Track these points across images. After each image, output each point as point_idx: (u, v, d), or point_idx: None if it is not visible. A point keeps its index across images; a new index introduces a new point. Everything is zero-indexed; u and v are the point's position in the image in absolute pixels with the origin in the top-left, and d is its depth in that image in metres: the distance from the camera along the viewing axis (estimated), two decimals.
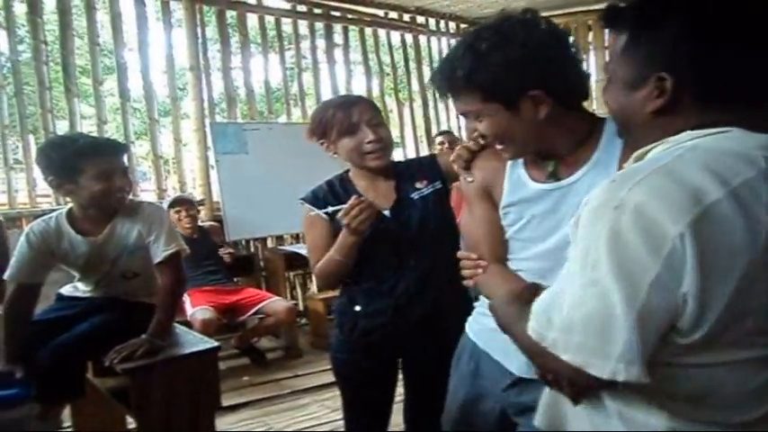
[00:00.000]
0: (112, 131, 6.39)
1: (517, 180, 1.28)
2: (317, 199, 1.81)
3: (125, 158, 2.27)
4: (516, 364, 1.30)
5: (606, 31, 0.98)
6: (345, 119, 1.72)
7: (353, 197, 1.63)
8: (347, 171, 1.87)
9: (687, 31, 0.84)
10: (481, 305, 1.46)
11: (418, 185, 1.77)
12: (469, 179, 1.36)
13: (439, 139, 4.61)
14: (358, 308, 1.79)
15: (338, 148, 1.76)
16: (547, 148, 1.22)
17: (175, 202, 4.06)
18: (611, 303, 0.78)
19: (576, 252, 0.85)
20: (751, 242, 0.77)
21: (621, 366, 0.78)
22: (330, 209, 1.72)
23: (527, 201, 1.26)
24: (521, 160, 1.29)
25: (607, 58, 0.97)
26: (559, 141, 1.21)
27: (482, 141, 1.31)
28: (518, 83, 1.13)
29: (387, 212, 1.76)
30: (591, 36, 6.24)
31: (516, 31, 1.14)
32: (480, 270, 1.30)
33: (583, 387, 0.88)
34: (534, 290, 1.10)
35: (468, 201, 1.39)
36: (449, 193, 1.83)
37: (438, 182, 1.79)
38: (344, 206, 1.63)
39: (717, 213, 0.77)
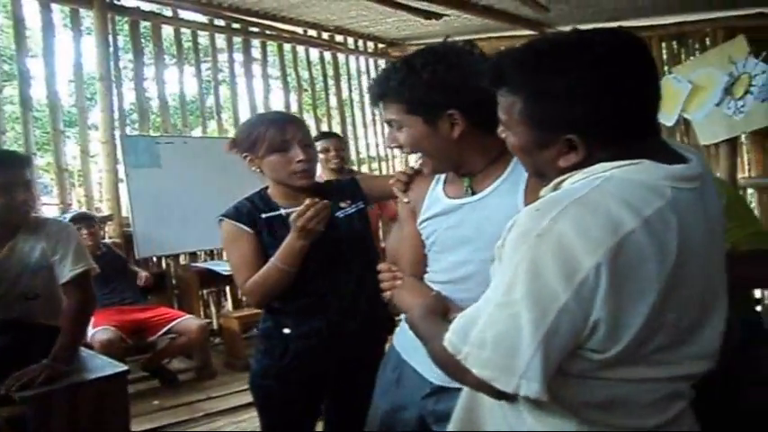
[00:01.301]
0: (11, 142, 6.00)
1: (435, 197, 1.38)
2: (240, 214, 1.75)
3: (28, 171, 2.14)
4: (436, 373, 1.31)
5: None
6: (278, 135, 1.70)
7: (308, 199, 1.60)
8: (266, 188, 1.84)
9: (579, 92, 0.90)
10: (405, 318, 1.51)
11: (342, 205, 1.78)
12: (405, 200, 1.45)
13: (321, 144, 3.20)
14: (287, 330, 1.75)
15: (264, 164, 1.74)
16: (460, 165, 1.31)
17: (73, 219, 3.85)
18: (520, 325, 0.84)
19: (498, 273, 0.91)
20: (662, 268, 0.85)
21: (523, 382, 0.85)
22: (283, 211, 1.67)
23: (439, 215, 1.35)
24: (442, 179, 1.38)
25: None
26: (472, 159, 1.29)
27: (404, 151, 1.39)
28: (439, 100, 1.22)
29: None
30: None
31: (449, 54, 1.26)
32: (398, 282, 1.38)
33: (491, 396, 0.94)
34: (441, 300, 1.23)
35: (399, 219, 1.49)
36: (367, 215, 1.86)
37: (360, 202, 1.82)
38: (297, 208, 1.60)
39: (632, 243, 0.83)
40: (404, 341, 1.49)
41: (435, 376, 1.35)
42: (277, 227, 1.72)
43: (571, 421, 0.94)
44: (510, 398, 0.91)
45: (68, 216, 3.90)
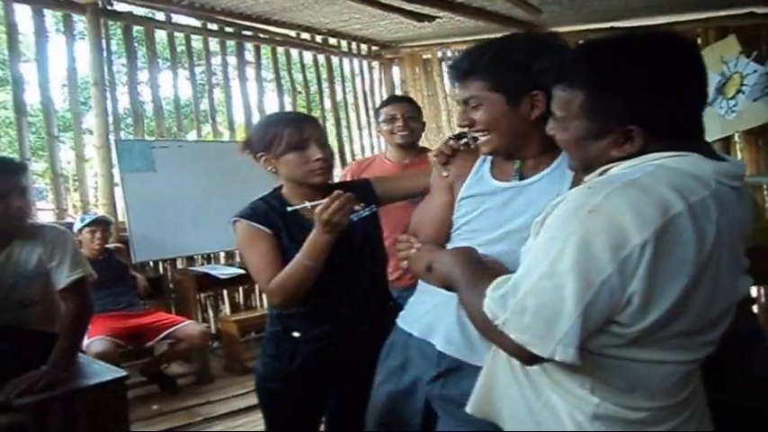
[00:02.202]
0: (5, 147, 5.98)
1: (480, 177, 1.41)
2: (257, 215, 1.74)
3: (24, 178, 2.13)
4: (455, 346, 1.38)
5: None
6: (296, 134, 1.71)
7: (335, 192, 1.59)
8: (279, 188, 1.83)
9: (647, 86, 0.95)
10: (416, 297, 1.56)
11: (356, 207, 1.74)
12: (445, 174, 1.48)
13: (385, 112, 2.86)
14: (297, 334, 1.74)
15: (280, 163, 1.73)
16: (521, 148, 1.35)
17: (93, 222, 3.90)
18: (564, 296, 0.88)
19: (541, 245, 0.94)
20: (698, 253, 0.89)
21: (559, 348, 0.89)
22: (308, 204, 1.65)
23: (483, 194, 1.38)
24: (489, 160, 1.42)
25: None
26: (533, 144, 1.33)
27: (466, 131, 1.42)
28: (525, 81, 1.27)
29: None
30: None
31: (536, 40, 1.35)
32: (413, 250, 1.38)
33: (523, 361, 0.98)
34: (472, 252, 1.22)
35: (431, 191, 1.52)
36: (378, 217, 1.87)
37: (373, 205, 1.84)
38: (323, 201, 1.58)
39: (677, 224, 0.88)
40: (410, 319, 1.53)
41: (453, 349, 1.38)
42: (296, 230, 1.71)
43: (590, 399, 0.97)
44: (539, 362, 0.95)
45: (87, 218, 3.92)
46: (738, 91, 4.26)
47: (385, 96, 6.53)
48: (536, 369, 1.02)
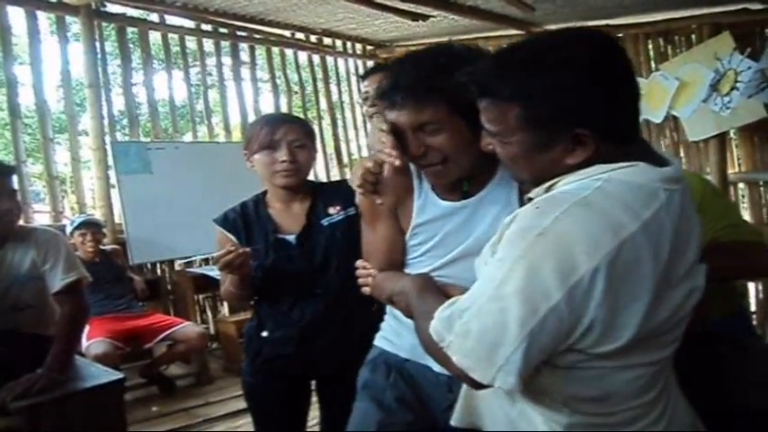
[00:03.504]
0: (0, 149, 5.97)
1: (425, 201, 1.31)
2: (226, 221, 1.82)
3: (12, 180, 2.13)
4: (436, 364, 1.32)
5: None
6: (268, 135, 1.75)
7: (229, 245, 1.65)
8: (264, 192, 1.87)
9: (584, 86, 0.90)
10: (393, 319, 1.47)
11: (331, 211, 1.79)
12: (379, 201, 1.34)
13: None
14: (265, 333, 1.79)
15: (254, 162, 1.79)
16: (474, 168, 1.25)
17: (82, 224, 3.87)
18: (507, 320, 0.85)
19: (491, 267, 0.91)
20: (656, 268, 0.87)
21: (500, 375, 0.86)
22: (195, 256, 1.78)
23: (438, 219, 1.30)
24: (426, 181, 1.32)
25: None
26: (483, 161, 1.22)
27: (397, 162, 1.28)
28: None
29: (292, 239, 1.77)
30: None
31: (458, 52, 1.21)
32: (371, 279, 1.34)
33: (468, 384, 0.95)
34: (432, 279, 1.20)
35: (370, 219, 1.38)
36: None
37: (352, 208, 1.79)
38: (218, 253, 1.63)
39: (630, 245, 0.85)
40: (408, 342, 1.38)
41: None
42: (260, 237, 1.76)
43: (562, 412, 0.96)
44: (485, 388, 0.92)
45: (77, 221, 3.90)
46: (733, 88, 4.26)
47: None
48: None
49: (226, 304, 5.07)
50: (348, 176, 1.87)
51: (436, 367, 1.33)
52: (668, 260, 0.88)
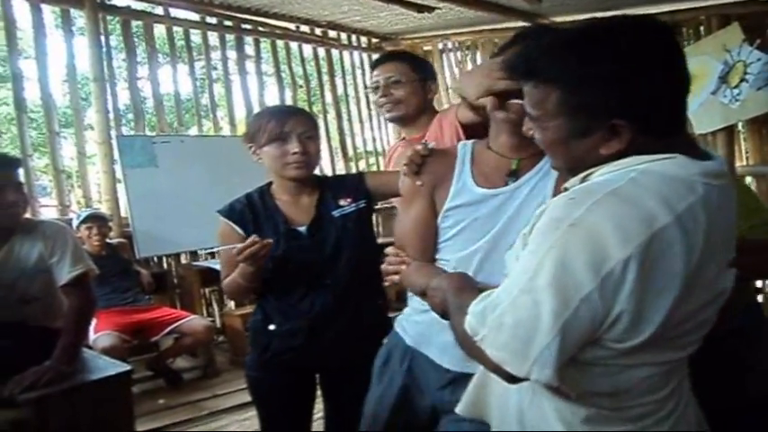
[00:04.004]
0: (6, 143, 5.99)
1: (462, 186, 1.33)
2: (233, 212, 1.80)
3: (17, 173, 2.12)
4: (449, 359, 1.36)
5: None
6: (277, 127, 1.73)
7: (251, 237, 1.61)
8: (269, 184, 1.85)
9: (627, 75, 0.88)
10: (411, 306, 1.50)
11: (342, 203, 1.78)
12: (419, 183, 1.37)
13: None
14: (272, 327, 1.77)
15: (263, 154, 1.77)
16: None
17: (88, 218, 3.89)
18: (540, 313, 0.84)
19: (523, 259, 0.91)
20: (687, 264, 0.85)
21: (535, 368, 0.85)
22: (220, 248, 1.76)
23: (469, 204, 1.31)
24: (468, 165, 1.34)
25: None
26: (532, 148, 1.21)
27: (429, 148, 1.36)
28: None
29: (303, 230, 1.76)
30: None
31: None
32: (404, 267, 1.35)
33: (503, 378, 0.94)
34: (468, 276, 1.19)
35: (407, 200, 1.40)
36: (372, 212, 1.85)
37: (363, 201, 1.80)
38: (239, 245, 1.61)
39: (663, 238, 0.83)
40: (413, 331, 1.47)
41: (453, 363, 1.35)
42: (269, 230, 1.74)
43: (576, 406, 0.95)
44: (520, 382, 0.92)
45: (82, 215, 3.92)
46: (742, 80, 4.23)
47: None
48: None
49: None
50: (353, 170, 1.86)
51: (435, 357, 1.39)
52: (700, 257, 0.86)
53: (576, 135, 0.94)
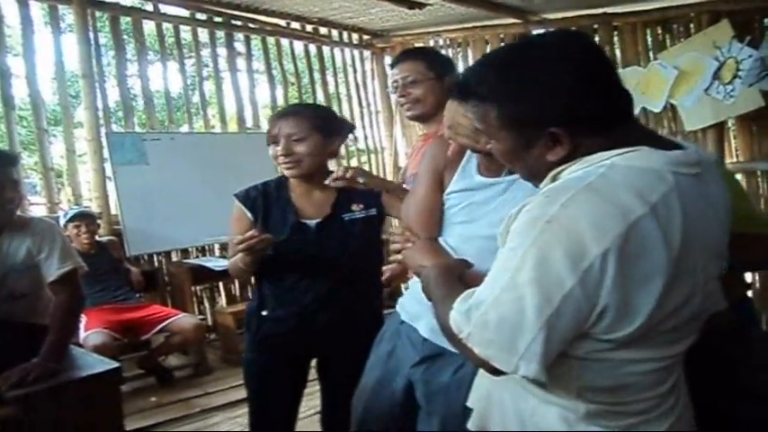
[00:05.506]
0: None
1: (468, 172, 1.44)
2: (247, 197, 1.90)
3: (16, 170, 2.13)
4: (423, 326, 1.47)
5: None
6: (271, 130, 1.85)
7: (254, 229, 1.70)
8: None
9: (551, 86, 0.93)
10: (410, 288, 1.60)
11: (354, 207, 1.86)
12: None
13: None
14: (265, 312, 1.87)
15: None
16: None
17: (75, 217, 3.86)
18: (524, 308, 0.86)
19: (503, 256, 0.92)
20: (668, 253, 0.86)
21: (522, 363, 0.87)
22: (210, 239, 1.86)
23: (469, 189, 1.42)
24: (475, 156, 1.43)
25: None
26: None
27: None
28: None
29: (312, 225, 1.83)
30: (488, 49, 6.53)
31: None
32: (409, 244, 1.43)
33: (489, 372, 0.96)
34: (462, 263, 1.25)
35: (419, 178, 1.51)
36: (382, 221, 1.93)
37: (373, 209, 1.88)
38: (241, 236, 1.68)
39: (639, 229, 0.84)
40: (411, 306, 1.56)
41: (436, 337, 1.41)
42: (279, 219, 1.84)
43: (575, 403, 0.96)
44: (504, 374, 0.93)
45: (69, 213, 3.89)
46: (735, 76, 4.24)
47: (377, 87, 6.50)
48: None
49: (223, 295, 5.07)
50: (340, 167, 1.87)
51: (422, 330, 1.49)
52: (680, 246, 0.87)
53: (522, 146, 0.98)
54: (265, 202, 1.87)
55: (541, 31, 5.30)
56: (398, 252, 1.46)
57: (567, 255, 0.84)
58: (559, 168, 0.97)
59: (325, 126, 1.85)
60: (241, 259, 1.75)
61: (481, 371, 1.14)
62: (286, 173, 1.86)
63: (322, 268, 1.81)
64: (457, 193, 1.43)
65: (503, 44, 1.13)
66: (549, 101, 0.93)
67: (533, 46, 1.00)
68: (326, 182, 1.76)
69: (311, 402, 2.30)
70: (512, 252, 0.90)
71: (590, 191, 0.87)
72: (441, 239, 1.44)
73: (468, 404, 1.22)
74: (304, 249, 1.82)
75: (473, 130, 1.24)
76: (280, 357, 1.89)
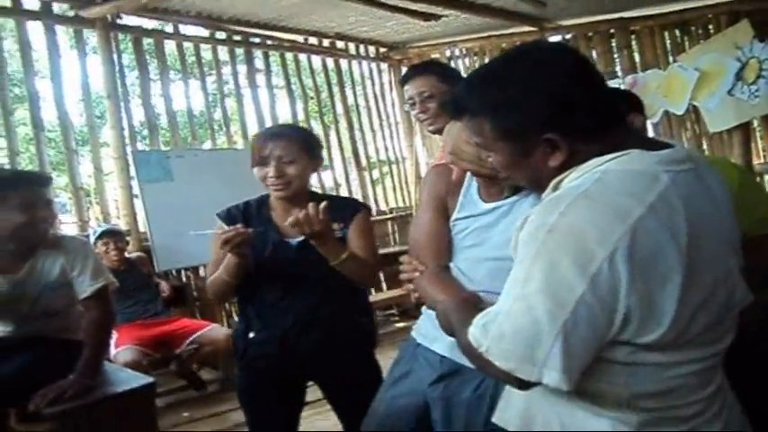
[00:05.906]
0: (26, 163, 6.08)
1: (470, 199, 1.45)
2: (229, 216, 1.93)
3: (49, 190, 2.18)
4: (443, 346, 1.46)
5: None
6: (258, 151, 1.83)
7: (237, 225, 1.73)
8: (269, 195, 1.93)
9: (540, 92, 0.95)
10: (426, 312, 1.59)
11: (335, 227, 1.83)
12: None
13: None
14: (252, 334, 1.87)
15: (255, 174, 1.87)
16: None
17: (103, 234, 3.93)
18: (536, 317, 0.87)
19: (514, 271, 0.94)
20: (677, 247, 0.87)
21: (545, 371, 0.87)
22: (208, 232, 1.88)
23: (474, 216, 1.42)
24: (475, 181, 1.44)
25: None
26: None
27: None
28: None
29: (295, 242, 1.83)
30: None
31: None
32: (417, 273, 1.43)
33: (516, 387, 0.96)
34: (476, 298, 1.26)
35: (422, 206, 1.53)
36: None
37: (347, 230, 1.87)
38: (228, 229, 1.72)
39: (643, 229, 0.85)
40: (427, 329, 1.55)
41: (441, 348, 1.47)
42: (258, 241, 1.82)
43: (627, 412, 0.95)
44: (532, 387, 0.93)
45: (98, 231, 3.96)
46: (759, 76, 4.18)
47: (396, 98, 6.54)
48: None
49: None
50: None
51: (440, 349, 1.48)
52: (689, 240, 0.88)
53: (521, 155, 1.00)
54: (246, 220, 1.87)
55: (558, 38, 5.31)
56: (409, 281, 1.46)
57: (573, 261, 0.85)
58: (560, 177, 0.98)
59: (310, 148, 1.88)
60: (226, 266, 1.77)
61: (509, 387, 1.14)
62: (275, 194, 1.85)
63: (303, 286, 1.82)
64: (462, 220, 1.44)
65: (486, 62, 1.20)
66: (537, 107, 0.95)
67: (520, 56, 1.02)
68: (286, 222, 1.72)
69: (319, 423, 2.33)
70: (520, 264, 0.92)
71: (587, 197, 0.89)
72: (451, 264, 1.45)
73: (496, 421, 1.19)
74: (285, 267, 1.82)
75: (476, 155, 1.23)
76: (268, 380, 1.89)
